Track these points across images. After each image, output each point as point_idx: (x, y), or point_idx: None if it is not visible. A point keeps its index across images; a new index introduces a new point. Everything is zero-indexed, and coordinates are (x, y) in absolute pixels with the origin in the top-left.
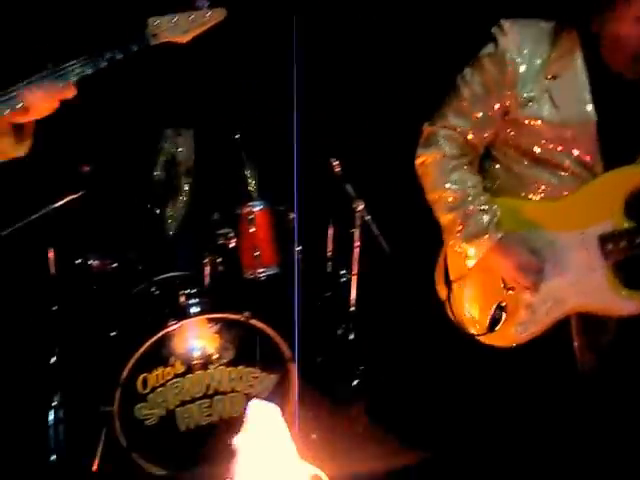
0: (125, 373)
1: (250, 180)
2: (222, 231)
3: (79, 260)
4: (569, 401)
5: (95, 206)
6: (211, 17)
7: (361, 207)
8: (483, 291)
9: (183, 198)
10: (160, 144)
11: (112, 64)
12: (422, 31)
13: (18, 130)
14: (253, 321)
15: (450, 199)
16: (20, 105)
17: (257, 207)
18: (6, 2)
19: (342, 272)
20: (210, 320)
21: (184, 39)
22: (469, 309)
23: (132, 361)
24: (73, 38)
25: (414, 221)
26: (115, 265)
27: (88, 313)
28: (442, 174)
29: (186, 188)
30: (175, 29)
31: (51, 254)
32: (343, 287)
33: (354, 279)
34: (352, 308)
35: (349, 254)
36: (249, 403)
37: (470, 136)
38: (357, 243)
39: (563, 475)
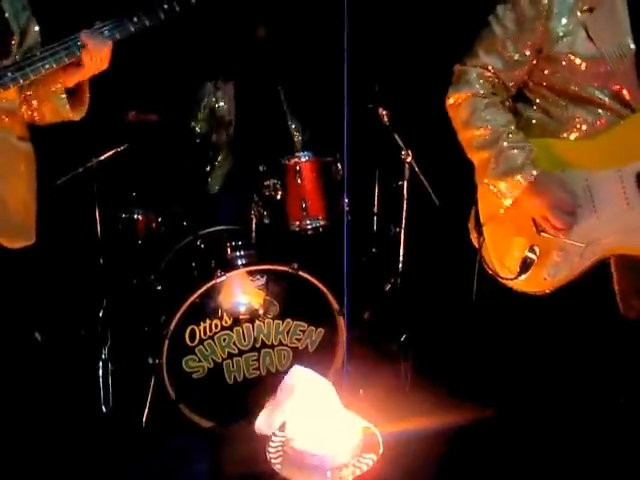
0: (173, 325)
1: (294, 131)
2: (268, 182)
3: (125, 214)
4: (612, 347)
5: (139, 160)
6: None
7: (410, 158)
8: (514, 234)
9: (225, 152)
10: (201, 98)
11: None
12: None
13: (73, 93)
14: (301, 273)
15: (483, 137)
16: (78, 52)
17: (304, 158)
18: None
19: (390, 226)
20: (257, 272)
21: None
22: (500, 253)
23: (180, 313)
24: None
25: (465, 173)
26: (160, 219)
27: (135, 267)
28: (474, 112)
29: (227, 141)
30: None
31: (97, 208)
32: (391, 241)
33: (402, 233)
34: (400, 263)
35: (397, 207)
36: (291, 369)
37: (502, 74)
38: (405, 196)
39: (606, 424)
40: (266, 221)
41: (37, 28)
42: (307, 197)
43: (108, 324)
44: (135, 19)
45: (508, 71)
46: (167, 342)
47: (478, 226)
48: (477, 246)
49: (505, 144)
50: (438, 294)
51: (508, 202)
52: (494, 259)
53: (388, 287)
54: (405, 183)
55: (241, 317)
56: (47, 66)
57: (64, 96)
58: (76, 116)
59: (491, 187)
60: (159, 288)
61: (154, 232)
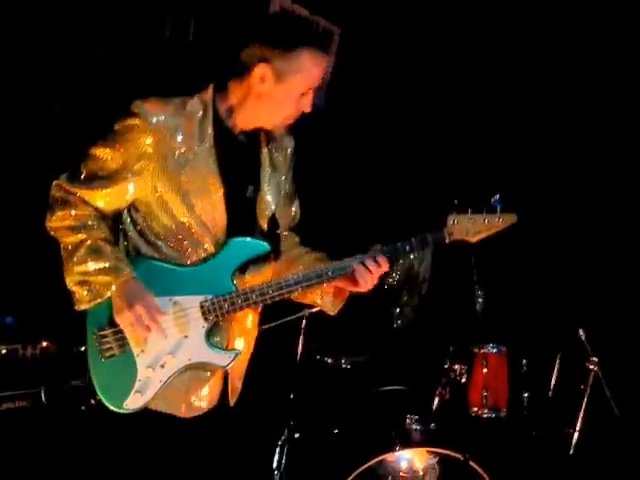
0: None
1: (478, 305)
2: (457, 367)
3: (318, 356)
4: None
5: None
6: (503, 222)
7: (595, 366)
8: None
9: (412, 307)
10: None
11: (410, 253)
12: None
13: (338, 292)
14: (471, 463)
15: None
16: (349, 272)
17: (493, 350)
18: None
19: (565, 428)
20: (431, 452)
21: (474, 239)
22: None
23: (355, 474)
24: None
25: None
26: (347, 366)
27: (318, 403)
28: None
29: (414, 302)
30: (470, 230)
31: (300, 349)
32: (563, 441)
33: (575, 436)
34: (569, 463)
35: (575, 409)
36: None
37: None
38: (585, 401)
39: None
40: (446, 398)
41: (295, 209)
42: (489, 386)
43: (285, 451)
44: (407, 247)
45: None
46: None
47: None
48: None
49: None
50: None
51: None
52: None
53: None
54: (587, 389)
55: (403, 476)
56: (304, 286)
57: (330, 294)
58: (333, 311)
59: None
60: (335, 431)
61: (339, 375)
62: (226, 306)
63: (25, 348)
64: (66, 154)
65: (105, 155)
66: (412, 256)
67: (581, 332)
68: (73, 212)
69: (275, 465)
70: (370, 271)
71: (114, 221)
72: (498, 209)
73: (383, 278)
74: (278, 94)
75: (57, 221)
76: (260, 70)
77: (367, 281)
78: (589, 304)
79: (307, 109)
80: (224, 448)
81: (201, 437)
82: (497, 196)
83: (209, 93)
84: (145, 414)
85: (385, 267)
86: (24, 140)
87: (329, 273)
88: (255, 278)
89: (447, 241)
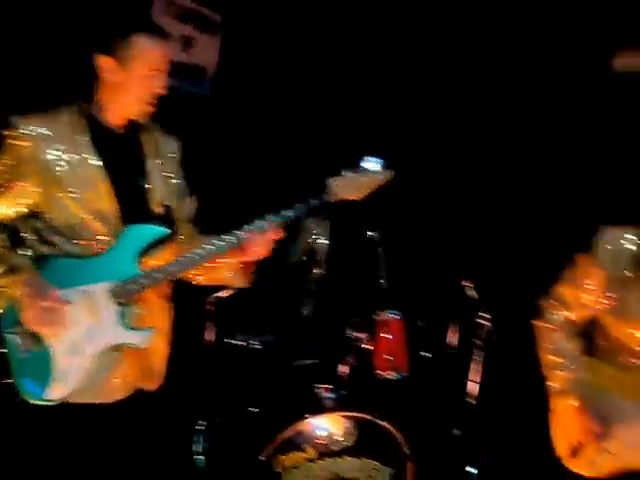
0: (265, 453)
1: (382, 278)
2: (360, 335)
3: (232, 340)
4: None
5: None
6: (381, 178)
7: (487, 321)
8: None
9: (315, 285)
10: (299, 232)
11: (297, 216)
12: None
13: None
14: (381, 421)
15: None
16: (237, 245)
17: (393, 316)
18: None
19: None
20: (344, 416)
21: (357, 196)
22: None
23: (274, 444)
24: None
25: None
26: (258, 346)
27: (233, 389)
28: None
29: (318, 276)
30: (351, 189)
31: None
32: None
33: (476, 387)
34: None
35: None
36: None
37: None
38: (482, 354)
39: None
40: (354, 367)
41: (189, 205)
42: (393, 351)
43: (207, 435)
44: (292, 212)
45: None
46: (257, 467)
47: None
48: None
49: None
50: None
51: None
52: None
53: (457, 432)
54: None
55: (319, 443)
56: (203, 260)
57: (237, 267)
58: (240, 283)
59: None
60: (255, 410)
61: (251, 356)
62: (134, 288)
63: None
64: None
65: None
66: (309, 234)
67: (473, 291)
68: None
69: (200, 449)
70: (258, 238)
71: (17, 231)
72: (376, 166)
73: (285, 257)
74: (125, 80)
75: None
76: (104, 62)
77: (257, 249)
78: (480, 262)
79: (159, 90)
80: (146, 437)
81: (122, 428)
82: (373, 157)
83: (79, 100)
84: (64, 408)
85: (276, 233)
86: None
87: (222, 244)
88: (158, 260)
89: (333, 201)
